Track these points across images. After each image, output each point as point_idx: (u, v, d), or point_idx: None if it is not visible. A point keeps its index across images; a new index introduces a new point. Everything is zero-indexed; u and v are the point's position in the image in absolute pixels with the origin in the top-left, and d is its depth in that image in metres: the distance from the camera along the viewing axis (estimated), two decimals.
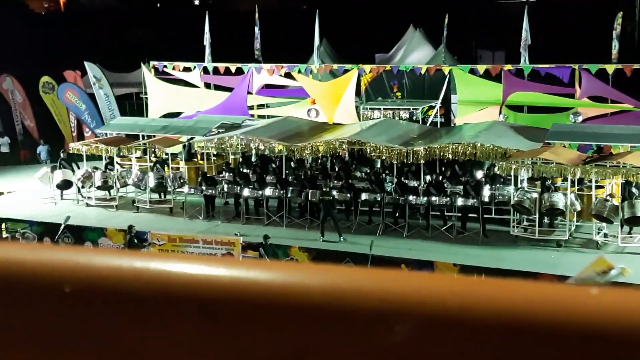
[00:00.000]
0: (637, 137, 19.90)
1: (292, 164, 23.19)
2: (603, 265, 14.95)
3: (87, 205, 23.68)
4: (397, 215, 20.43)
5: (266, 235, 18.26)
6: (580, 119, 23.84)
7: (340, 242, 19.28)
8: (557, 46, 38.92)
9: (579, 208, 18.71)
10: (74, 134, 31.90)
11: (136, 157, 24.43)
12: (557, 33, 46.98)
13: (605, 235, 18.56)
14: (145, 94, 29.24)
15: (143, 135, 24.43)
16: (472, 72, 25.72)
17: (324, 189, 20.20)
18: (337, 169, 22.78)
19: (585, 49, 31.79)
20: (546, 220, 19.29)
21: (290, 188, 20.84)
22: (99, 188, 23.52)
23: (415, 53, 31.47)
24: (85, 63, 30.96)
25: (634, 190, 18.15)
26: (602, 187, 19.38)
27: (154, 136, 23.89)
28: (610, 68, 24.23)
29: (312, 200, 20.36)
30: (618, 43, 25.13)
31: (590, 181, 18.76)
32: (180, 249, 18.99)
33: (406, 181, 20.74)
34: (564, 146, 20.47)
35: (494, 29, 47.56)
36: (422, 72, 26.49)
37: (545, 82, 25.35)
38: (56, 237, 21.03)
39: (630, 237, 18.36)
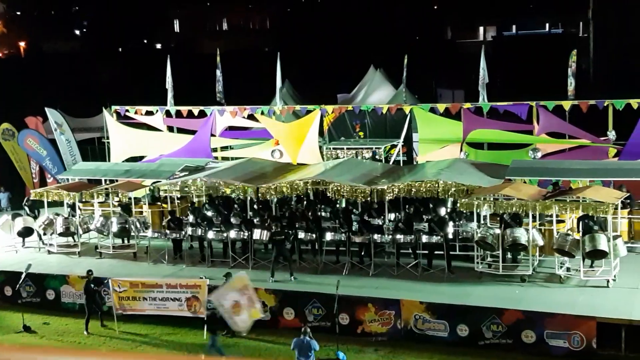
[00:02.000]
0: (595, 171, 20.32)
1: (255, 206, 23.16)
2: (241, 283, 15.61)
3: (49, 252, 23.34)
4: (362, 254, 20.49)
5: (228, 273, 18.15)
6: (539, 154, 24.25)
7: (291, 282, 19.27)
8: (515, 84, 39.72)
9: (541, 243, 18.95)
10: (36, 181, 31.53)
11: (99, 202, 24.20)
12: (514, 71, 47.97)
13: (568, 270, 18.79)
14: (107, 138, 29.09)
15: (105, 180, 24.23)
16: (433, 110, 26.10)
17: (276, 229, 20.16)
18: (302, 210, 22.80)
19: (542, 86, 32.49)
20: (509, 255, 19.48)
21: (254, 230, 20.80)
22: (60, 235, 23.21)
23: (377, 93, 31.84)
24: (46, 109, 30.76)
25: (592, 224, 18.44)
26: (562, 221, 19.67)
27: (117, 181, 23.71)
28: (566, 104, 24.77)
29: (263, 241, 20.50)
30: (574, 80, 25.73)
31: (551, 216, 19.03)
32: (143, 294, 18.75)
33: (369, 219, 20.82)
34: (525, 182, 20.79)
35: (453, 68, 48.40)
36: (384, 111, 26.82)
37: (504, 119, 25.81)
38: (17, 285, 20.65)
39: (593, 270, 18.61)
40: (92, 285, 19.09)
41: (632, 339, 15.87)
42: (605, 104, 24.07)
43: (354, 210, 22.25)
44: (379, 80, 32.74)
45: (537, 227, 19.06)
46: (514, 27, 73.44)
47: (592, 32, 50.04)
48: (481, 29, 75.00)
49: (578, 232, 18.64)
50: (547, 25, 73.29)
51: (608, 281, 17.97)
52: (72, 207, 24.00)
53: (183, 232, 21.67)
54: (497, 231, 18.84)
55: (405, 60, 27.34)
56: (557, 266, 18.76)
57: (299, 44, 61.00)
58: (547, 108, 24.83)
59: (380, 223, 20.72)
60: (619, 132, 24.07)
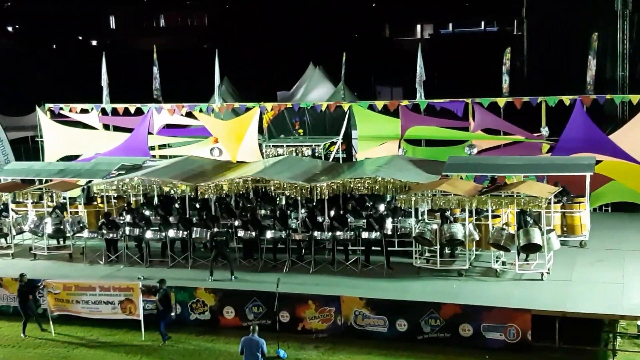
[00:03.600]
0: (529, 167, 20.78)
1: (196, 204, 22.95)
2: None
3: None
4: (302, 251, 20.51)
5: (162, 280, 17.99)
6: (475, 151, 24.69)
7: (232, 281, 19.18)
8: (451, 81, 40.30)
9: (477, 237, 19.27)
10: None
11: (32, 203, 23.63)
12: (450, 69, 48.65)
13: (504, 263, 19.15)
14: (41, 137, 28.45)
15: (40, 180, 23.68)
16: (371, 108, 26.29)
17: (216, 229, 20.04)
18: (241, 207, 22.71)
19: (477, 84, 33.02)
20: (447, 250, 19.76)
21: (194, 229, 20.62)
22: None
23: (316, 90, 31.93)
24: None
25: (527, 218, 18.85)
26: (498, 216, 20.04)
27: (51, 180, 23.19)
28: (501, 101, 25.24)
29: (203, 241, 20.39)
30: (508, 77, 26.23)
31: (487, 211, 19.37)
32: (77, 297, 18.40)
33: (314, 216, 20.84)
34: (461, 178, 21.11)
35: (391, 66, 48.83)
36: (323, 109, 26.89)
37: (440, 116, 26.16)
38: None
39: (527, 264, 19.01)
40: (25, 288, 18.63)
41: (566, 331, 16.28)
42: (538, 101, 24.61)
43: (290, 208, 22.23)
44: (318, 77, 32.85)
45: (474, 222, 19.37)
46: (450, 25, 74.47)
47: (525, 31, 51.06)
48: (418, 27, 75.82)
49: (516, 227, 19.01)
50: (483, 23, 74.55)
51: (542, 274, 18.39)
52: (5, 207, 23.37)
53: (120, 232, 21.35)
54: (435, 227, 19.09)
55: (344, 58, 27.46)
56: (493, 260, 19.12)
57: (238, 41, 60.70)
58: (483, 105, 25.26)
59: (321, 220, 20.76)
60: (552, 128, 24.66)
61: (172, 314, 18.34)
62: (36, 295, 19.11)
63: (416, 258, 19.54)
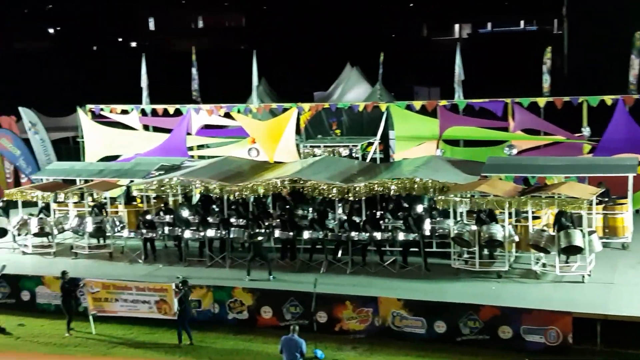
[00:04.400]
0: (570, 167, 20.47)
1: (233, 205, 23.04)
2: None
3: (24, 253, 23.08)
4: (339, 252, 20.47)
5: (184, 281, 18.07)
6: (514, 151, 24.39)
7: (270, 281, 19.19)
8: (490, 81, 39.91)
9: (516, 239, 19.04)
10: (10, 181, 31.16)
11: (73, 203, 23.97)
12: (489, 68, 48.23)
13: (544, 265, 18.91)
14: (82, 137, 28.84)
15: (81, 180, 24.01)
16: (409, 108, 26.15)
17: (254, 231, 20.05)
18: (278, 208, 22.75)
19: (517, 83, 32.68)
20: (486, 252, 19.56)
21: (232, 229, 20.72)
22: (35, 235, 22.97)
23: (353, 91, 31.88)
24: (20, 108, 30.43)
25: (563, 220, 18.58)
26: (538, 217, 19.79)
27: (92, 180, 23.49)
28: (541, 101, 24.94)
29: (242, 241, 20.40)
30: (549, 76, 25.90)
31: (527, 212, 19.14)
32: (115, 296, 18.65)
33: (355, 218, 20.78)
34: (500, 179, 20.90)
35: (429, 66, 48.55)
36: (360, 109, 26.83)
37: (479, 116, 25.92)
38: None
39: (568, 266, 18.76)
40: (67, 286, 18.89)
41: (607, 333, 16.01)
42: (579, 101, 24.27)
43: (328, 209, 22.21)
44: (355, 78, 32.81)
45: (513, 224, 19.16)
46: (489, 24, 73.87)
47: (566, 29, 50.45)
48: (457, 26, 75.33)
49: (554, 229, 18.76)
50: (522, 22, 73.80)
51: (583, 276, 18.12)
52: (47, 207, 23.74)
53: (159, 232, 21.55)
54: (474, 228, 18.91)
55: (382, 58, 27.40)
56: (533, 262, 18.88)
57: (275, 42, 60.89)
58: (522, 105, 24.98)
59: (358, 221, 20.70)
60: (594, 128, 24.29)
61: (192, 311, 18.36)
62: (77, 293, 19.36)
63: (454, 259, 19.38)
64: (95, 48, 72.54)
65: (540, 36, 59.60)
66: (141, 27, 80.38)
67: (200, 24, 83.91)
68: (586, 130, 24.30)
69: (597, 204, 19.33)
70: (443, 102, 25.93)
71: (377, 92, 28.25)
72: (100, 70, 57.20)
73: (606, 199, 20.66)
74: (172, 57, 52.75)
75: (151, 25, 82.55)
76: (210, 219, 22.02)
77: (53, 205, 23.55)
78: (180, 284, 17.89)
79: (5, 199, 24.58)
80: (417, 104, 26.25)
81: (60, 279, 19.03)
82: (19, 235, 23.39)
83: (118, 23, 73.95)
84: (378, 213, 20.85)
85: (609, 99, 23.73)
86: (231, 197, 21.78)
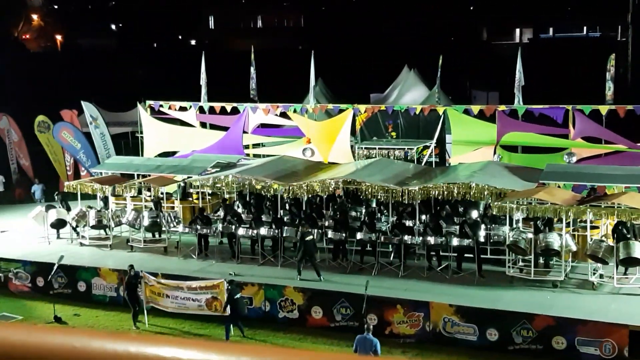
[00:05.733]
0: (631, 177, 19.96)
1: (287, 204, 23.15)
2: None
3: (81, 244, 23.57)
4: (392, 255, 20.37)
5: (231, 281, 18.19)
6: (574, 159, 23.90)
7: (321, 282, 19.15)
8: (551, 87, 39.25)
9: (574, 248, 18.67)
10: (70, 173, 31.88)
11: (131, 197, 24.37)
12: (550, 74, 47.41)
13: (601, 276, 18.50)
14: (141, 133, 29.30)
15: (138, 175, 24.43)
16: (467, 112, 25.84)
17: (306, 229, 20.02)
18: (331, 209, 22.75)
19: (578, 90, 32.06)
20: (542, 260, 19.23)
21: (285, 227, 20.79)
22: (93, 227, 23.43)
23: (410, 93, 31.67)
24: (82, 102, 31.06)
25: (622, 231, 18.13)
26: (596, 227, 19.37)
27: (149, 175, 23.86)
28: (603, 109, 24.38)
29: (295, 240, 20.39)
30: (612, 84, 25.32)
31: (585, 221, 18.75)
32: (166, 291, 18.89)
33: (404, 222, 20.66)
34: (559, 186, 20.51)
35: (488, 70, 47.99)
36: (417, 112, 26.62)
37: (539, 122, 25.47)
38: (49, 276, 20.91)
39: (626, 277, 18.31)
40: (134, 280, 19.11)
41: None
42: None
43: (382, 211, 22.10)
44: (412, 80, 32.59)
45: (571, 233, 18.78)
46: (551, 29, 72.66)
47: (630, 36, 49.30)
48: (517, 30, 74.30)
49: (613, 239, 18.33)
50: (585, 28, 72.40)
51: None
52: (105, 200, 24.20)
53: (213, 228, 21.77)
54: (530, 235, 18.60)
55: (440, 61, 27.15)
56: (590, 273, 18.49)
57: (333, 43, 60.98)
58: (584, 112, 24.46)
59: (412, 224, 20.57)
60: None
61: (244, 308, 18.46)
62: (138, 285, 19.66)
63: (509, 267, 19.10)
64: (155, 45, 73.70)
65: (603, 43, 58.36)
66: (201, 25, 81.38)
67: (260, 23, 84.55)
68: None
69: None
70: (502, 107, 25.55)
71: (435, 95, 28.00)
72: (161, 67, 58.08)
73: None
74: (231, 55, 53.24)
75: (211, 23, 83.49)
76: (263, 217, 22.14)
77: (111, 199, 23.99)
78: (228, 283, 18.03)
79: (65, 190, 25.15)
80: (475, 109, 25.92)
81: (127, 274, 19.20)
82: (77, 226, 23.89)
83: (179, 21, 75.03)
84: (433, 217, 20.65)
85: None
86: (285, 197, 21.87)
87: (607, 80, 25.19)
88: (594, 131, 24.65)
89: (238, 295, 18.00)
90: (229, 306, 17.77)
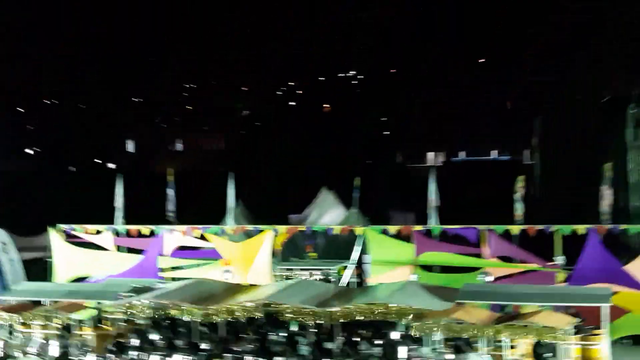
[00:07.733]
0: (545, 296, 20.33)
1: (204, 328, 22.47)
2: None
3: None
4: None
5: None
6: (490, 278, 24.31)
7: None
8: (464, 208, 40.35)
9: None
10: None
11: (39, 325, 23.23)
12: (463, 195, 48.89)
13: None
14: (52, 258, 28.42)
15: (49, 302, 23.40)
16: (384, 232, 26.19)
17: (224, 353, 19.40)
18: (251, 333, 22.19)
19: (491, 210, 33.01)
20: None
21: (201, 353, 20.12)
22: None
23: (328, 214, 32.03)
24: None
25: (540, 350, 18.25)
26: (513, 346, 19.43)
27: (59, 302, 22.90)
28: (515, 229, 25.12)
29: None
30: (521, 205, 26.23)
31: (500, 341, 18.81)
32: None
33: (324, 344, 20.28)
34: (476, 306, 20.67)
35: (404, 191, 49.17)
36: (335, 232, 26.82)
37: (454, 242, 25.99)
38: None
39: None
40: None
41: None
42: (552, 230, 24.47)
43: (302, 334, 21.70)
44: (330, 201, 33.06)
45: (489, 352, 18.79)
46: (463, 153, 75.61)
47: (538, 160, 51.74)
48: (431, 154, 77.02)
49: (533, 357, 18.41)
50: (496, 152, 75.66)
51: None
52: (11, 329, 23.00)
53: (128, 356, 20.86)
54: (451, 357, 18.49)
55: (357, 183, 27.70)
56: None
57: (252, 165, 61.66)
58: (496, 232, 25.12)
59: (331, 347, 20.21)
60: (569, 256, 24.35)
61: None
62: None
63: None
64: (74, 169, 72.83)
65: (512, 165, 60.96)
66: (120, 148, 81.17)
67: (180, 146, 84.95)
68: (560, 259, 24.39)
69: (574, 333, 19.04)
70: (418, 227, 26.04)
71: (353, 216, 28.36)
72: (78, 190, 57.18)
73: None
74: (150, 178, 53.01)
75: (130, 147, 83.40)
76: (179, 343, 21.38)
77: (19, 328, 22.82)
78: None
79: None
80: (392, 229, 26.32)
81: None
82: None
83: (97, 144, 74.73)
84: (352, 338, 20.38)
85: (581, 228, 23.96)
86: (201, 321, 21.27)
87: (516, 201, 26.13)
88: (507, 251, 25.29)
89: None
90: None
